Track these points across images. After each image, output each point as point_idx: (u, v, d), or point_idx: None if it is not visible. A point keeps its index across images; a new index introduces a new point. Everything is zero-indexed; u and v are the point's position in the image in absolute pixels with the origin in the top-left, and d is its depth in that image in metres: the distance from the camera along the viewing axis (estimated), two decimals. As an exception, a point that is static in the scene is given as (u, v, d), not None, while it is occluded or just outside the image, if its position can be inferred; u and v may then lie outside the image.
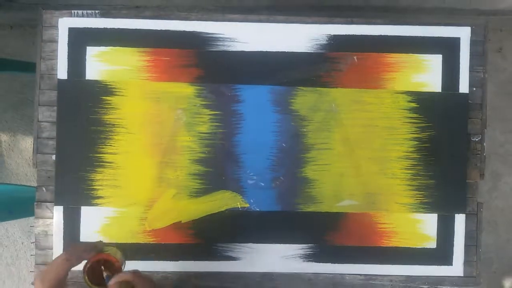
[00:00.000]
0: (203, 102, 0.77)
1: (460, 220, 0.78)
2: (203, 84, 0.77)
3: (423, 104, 0.78)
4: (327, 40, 0.78)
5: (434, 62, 0.79)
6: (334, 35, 0.78)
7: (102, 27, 0.77)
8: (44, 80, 0.77)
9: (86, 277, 0.57)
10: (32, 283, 0.44)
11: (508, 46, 1.56)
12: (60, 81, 0.77)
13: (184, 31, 0.77)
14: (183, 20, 0.78)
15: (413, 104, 0.78)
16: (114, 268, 0.59)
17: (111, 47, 0.77)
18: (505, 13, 1.40)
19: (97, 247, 0.59)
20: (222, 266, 0.77)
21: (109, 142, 0.76)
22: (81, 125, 0.76)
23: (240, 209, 0.77)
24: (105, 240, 0.76)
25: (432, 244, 0.78)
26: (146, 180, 0.76)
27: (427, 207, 0.78)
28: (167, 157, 0.76)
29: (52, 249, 0.76)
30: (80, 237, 0.76)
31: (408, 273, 0.78)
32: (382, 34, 0.79)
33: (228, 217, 0.77)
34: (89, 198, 0.76)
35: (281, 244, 0.77)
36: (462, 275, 0.79)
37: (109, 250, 0.61)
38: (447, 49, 0.79)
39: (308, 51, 0.78)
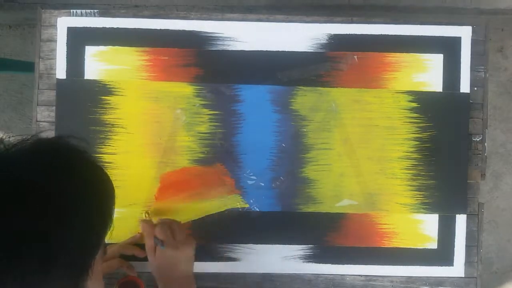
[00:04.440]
0: (203, 102, 0.77)
1: (461, 221, 0.78)
2: (202, 84, 0.77)
3: (424, 104, 0.78)
4: (327, 40, 0.78)
5: (435, 62, 0.78)
6: (334, 34, 0.78)
7: (101, 26, 0.76)
8: (43, 80, 0.77)
9: None
10: None
11: (509, 46, 1.56)
12: (59, 80, 0.76)
13: (183, 30, 0.77)
14: (182, 19, 0.77)
15: (414, 104, 0.78)
16: None
17: (110, 46, 0.76)
18: (506, 13, 1.40)
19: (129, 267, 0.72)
20: (222, 267, 0.77)
21: (108, 142, 0.76)
22: (80, 125, 0.75)
23: (240, 210, 0.76)
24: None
25: (433, 245, 0.78)
26: (145, 180, 0.76)
27: (428, 208, 0.78)
28: (166, 157, 0.76)
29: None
30: (79, 238, 0.75)
31: (409, 274, 0.78)
32: (383, 34, 0.78)
33: (227, 218, 0.76)
34: (88, 199, 0.75)
35: (281, 245, 0.77)
36: (463, 275, 0.78)
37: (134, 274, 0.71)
38: (448, 48, 0.79)
39: (308, 51, 0.77)
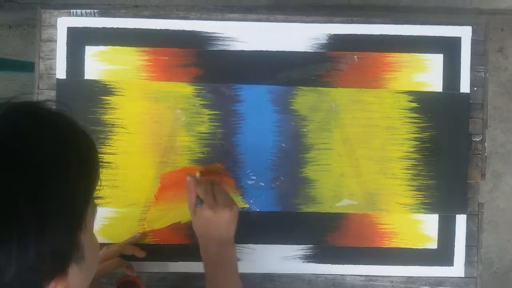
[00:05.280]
0: (203, 102, 0.77)
1: (461, 221, 0.78)
2: (202, 84, 0.77)
3: (424, 104, 0.78)
4: (327, 40, 0.78)
5: (435, 62, 0.78)
6: (334, 35, 0.78)
7: (101, 26, 0.76)
8: (43, 80, 0.77)
9: None
10: None
11: (509, 46, 1.56)
12: (59, 80, 0.76)
13: (183, 31, 0.77)
14: (182, 19, 0.77)
15: (414, 104, 0.78)
16: None
17: (110, 46, 0.76)
18: (506, 13, 1.40)
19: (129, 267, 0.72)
20: (222, 267, 0.76)
21: (108, 142, 0.76)
22: (80, 125, 0.75)
23: (239, 210, 0.76)
24: (104, 241, 0.75)
25: (433, 245, 0.78)
26: (145, 180, 0.76)
27: (428, 208, 0.78)
28: (166, 157, 0.76)
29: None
30: (79, 238, 0.75)
31: (409, 274, 0.78)
32: (383, 34, 0.78)
33: (227, 218, 0.76)
34: (88, 199, 0.75)
35: (281, 245, 0.77)
36: (463, 275, 0.78)
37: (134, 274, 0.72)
38: (448, 48, 0.79)
39: (308, 51, 0.77)
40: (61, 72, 0.76)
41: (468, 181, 0.79)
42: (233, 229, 0.66)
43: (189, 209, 0.67)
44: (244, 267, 0.77)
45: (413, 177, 0.78)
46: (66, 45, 0.76)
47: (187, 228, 0.76)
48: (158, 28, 0.77)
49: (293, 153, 0.77)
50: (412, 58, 0.78)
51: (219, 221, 0.64)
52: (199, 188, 0.65)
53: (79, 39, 0.76)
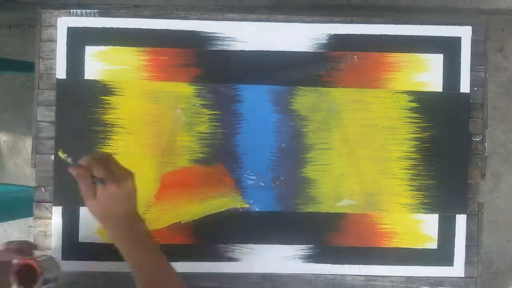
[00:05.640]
0: (203, 102, 0.77)
1: (461, 221, 0.78)
2: (202, 84, 0.77)
3: (424, 104, 0.78)
4: (327, 40, 0.78)
5: (435, 62, 0.78)
6: (334, 34, 0.78)
7: (101, 26, 0.76)
8: (43, 80, 0.77)
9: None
10: None
11: (509, 46, 1.56)
12: (59, 80, 0.76)
13: (183, 31, 0.77)
14: (182, 19, 0.77)
15: (414, 104, 0.78)
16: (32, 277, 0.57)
17: (110, 46, 0.76)
18: (506, 13, 1.40)
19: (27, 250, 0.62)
20: (222, 267, 0.77)
21: (108, 142, 0.76)
22: (80, 125, 0.75)
23: (239, 210, 0.76)
24: (105, 241, 0.75)
25: (433, 245, 0.78)
26: (146, 180, 0.76)
27: (428, 208, 0.78)
28: (166, 157, 0.76)
29: (51, 249, 0.76)
30: (79, 238, 0.75)
31: (409, 274, 0.78)
32: (383, 34, 0.78)
33: (227, 218, 0.76)
34: (88, 199, 0.75)
35: (281, 245, 0.77)
36: (463, 275, 0.78)
37: (42, 258, 0.59)
38: (448, 48, 0.79)
39: (308, 51, 0.77)
40: (61, 72, 0.76)
41: (468, 181, 0.79)
42: (136, 200, 0.61)
43: (86, 197, 0.57)
44: (243, 268, 0.77)
45: (413, 177, 0.78)
46: (66, 45, 0.76)
47: (187, 228, 0.76)
48: (158, 28, 0.77)
49: (293, 153, 0.77)
50: (412, 58, 0.78)
51: (125, 193, 0.59)
52: (95, 169, 0.56)
53: (79, 39, 0.76)
